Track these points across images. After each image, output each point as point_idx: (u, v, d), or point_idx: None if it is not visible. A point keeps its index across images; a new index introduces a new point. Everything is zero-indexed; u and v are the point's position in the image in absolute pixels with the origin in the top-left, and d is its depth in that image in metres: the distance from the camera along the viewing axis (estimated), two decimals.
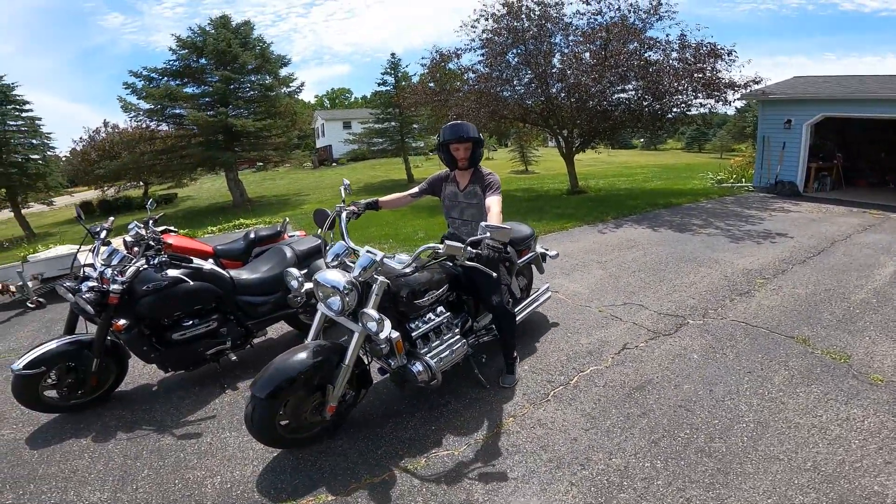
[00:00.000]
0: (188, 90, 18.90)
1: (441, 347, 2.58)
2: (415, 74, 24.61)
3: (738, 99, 11.76)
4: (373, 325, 2.16)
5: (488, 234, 2.19)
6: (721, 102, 11.00)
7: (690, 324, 3.98)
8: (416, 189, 3.21)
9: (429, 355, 2.49)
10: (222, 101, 18.75)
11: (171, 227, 4.34)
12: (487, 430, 2.64)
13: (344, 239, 2.60)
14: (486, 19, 11.21)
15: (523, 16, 10.84)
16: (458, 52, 12.01)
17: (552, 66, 10.97)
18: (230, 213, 16.15)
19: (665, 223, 8.11)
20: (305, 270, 3.23)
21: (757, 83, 10.91)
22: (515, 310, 3.34)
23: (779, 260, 5.79)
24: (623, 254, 6.11)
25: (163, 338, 2.88)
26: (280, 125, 20.20)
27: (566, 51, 11.10)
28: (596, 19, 10.90)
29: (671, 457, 2.38)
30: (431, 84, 13.29)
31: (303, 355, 2.20)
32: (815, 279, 5.06)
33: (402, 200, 3.20)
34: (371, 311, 2.17)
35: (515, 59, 11.40)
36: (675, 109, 11.30)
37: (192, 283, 2.84)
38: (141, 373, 3.29)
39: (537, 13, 10.85)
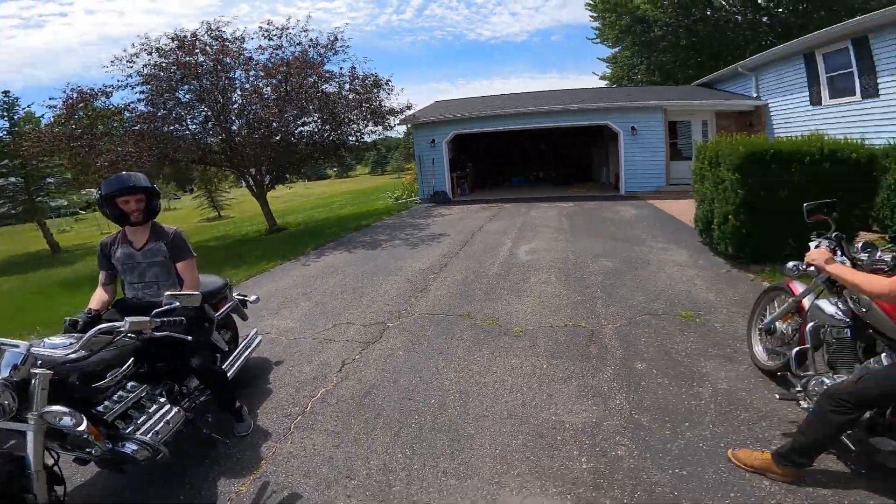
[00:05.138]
0: None
1: (151, 421, 2.31)
2: (43, 116, 19.33)
3: (399, 124, 14.15)
4: (68, 421, 1.90)
5: (177, 304, 2.20)
6: (387, 128, 12.96)
7: (390, 327, 4.59)
8: (103, 274, 2.78)
9: (139, 432, 2.22)
10: None
11: None
12: (246, 479, 2.53)
13: None
14: (149, 53, 9.96)
15: (197, 51, 10.08)
16: (108, 90, 10.11)
17: (232, 101, 10.58)
18: None
19: (358, 244, 9.01)
20: None
21: (409, 109, 13.35)
22: (226, 363, 3.21)
23: (442, 256, 7.31)
24: (325, 281, 6.46)
25: None
26: None
27: (247, 86, 10.87)
28: (277, 54, 11.06)
29: (414, 442, 2.75)
30: (57, 128, 10.60)
31: None
32: (465, 265, 6.64)
33: (108, 293, 2.77)
34: (57, 408, 1.89)
35: (188, 96, 10.48)
36: (351, 138, 12.52)
37: None
38: None
39: (214, 48, 10.29)
